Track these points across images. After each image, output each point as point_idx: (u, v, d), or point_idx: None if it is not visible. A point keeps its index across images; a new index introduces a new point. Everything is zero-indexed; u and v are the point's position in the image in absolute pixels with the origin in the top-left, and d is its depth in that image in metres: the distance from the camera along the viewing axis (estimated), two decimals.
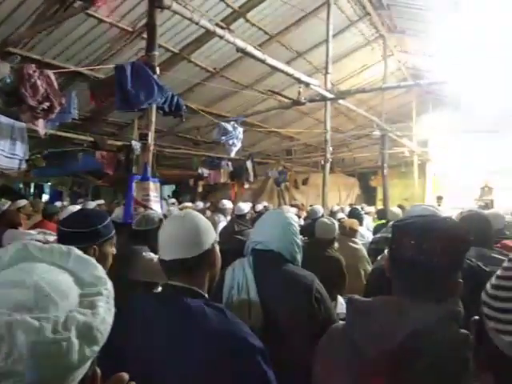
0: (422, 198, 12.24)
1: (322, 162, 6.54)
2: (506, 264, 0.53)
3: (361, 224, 5.25)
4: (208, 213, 6.25)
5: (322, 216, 4.65)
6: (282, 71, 4.91)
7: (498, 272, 0.53)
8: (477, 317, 0.56)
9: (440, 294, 0.98)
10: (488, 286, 0.55)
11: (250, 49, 4.33)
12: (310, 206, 7.85)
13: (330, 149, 6.41)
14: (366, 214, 7.24)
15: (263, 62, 4.55)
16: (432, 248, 0.96)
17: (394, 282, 1.06)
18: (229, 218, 5.63)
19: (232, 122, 5.40)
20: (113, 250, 1.70)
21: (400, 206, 6.69)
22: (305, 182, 14.64)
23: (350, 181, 15.07)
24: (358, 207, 7.22)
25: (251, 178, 10.32)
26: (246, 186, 10.64)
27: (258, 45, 6.94)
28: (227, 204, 5.89)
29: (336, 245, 3.58)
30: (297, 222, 2.01)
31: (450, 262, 0.97)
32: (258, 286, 1.68)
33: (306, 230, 4.58)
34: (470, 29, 6.56)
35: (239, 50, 4.28)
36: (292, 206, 10.57)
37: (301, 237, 1.85)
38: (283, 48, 7.76)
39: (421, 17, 7.33)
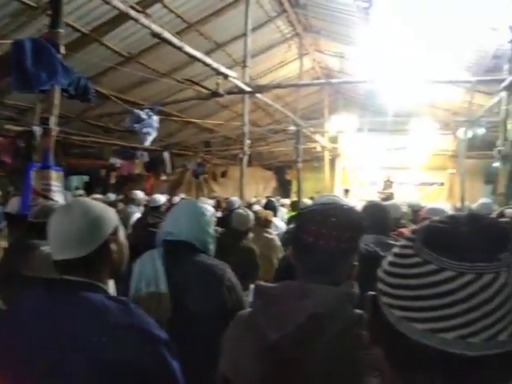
0: (332, 191, 13.02)
1: (241, 155, 6.61)
2: (403, 242, 0.55)
3: (275, 215, 5.42)
4: (120, 205, 5.95)
5: (239, 207, 4.70)
6: (200, 61, 4.84)
7: (396, 249, 0.56)
8: (373, 292, 0.58)
9: (338, 277, 1.04)
10: (384, 262, 0.56)
11: (166, 35, 4.18)
12: (226, 198, 7.90)
13: (248, 142, 6.50)
14: (282, 205, 7.48)
15: (180, 49, 4.43)
16: (330, 233, 1.01)
17: (297, 267, 1.10)
18: (142, 209, 5.42)
19: (146, 110, 5.18)
20: (3, 244, 1.53)
21: (311, 198, 7.02)
22: (223, 175, 14.69)
23: (267, 174, 15.47)
24: (274, 199, 7.45)
25: (168, 170, 10.06)
26: (163, 177, 10.35)
27: (176, 32, 6.73)
28: (139, 194, 5.66)
29: (251, 235, 3.65)
30: (211, 213, 2.00)
31: (346, 246, 1.03)
32: (169, 277, 1.64)
33: (223, 221, 4.61)
34: (381, 34, 7.08)
35: (155, 35, 4.11)
36: (211, 198, 10.57)
37: (217, 228, 1.85)
38: (202, 38, 7.65)
39: (335, 18, 7.73)
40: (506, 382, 0.51)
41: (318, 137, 11.34)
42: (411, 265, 0.51)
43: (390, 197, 10.10)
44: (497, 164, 6.19)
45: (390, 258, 0.56)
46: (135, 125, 4.93)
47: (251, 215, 3.50)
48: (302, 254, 1.07)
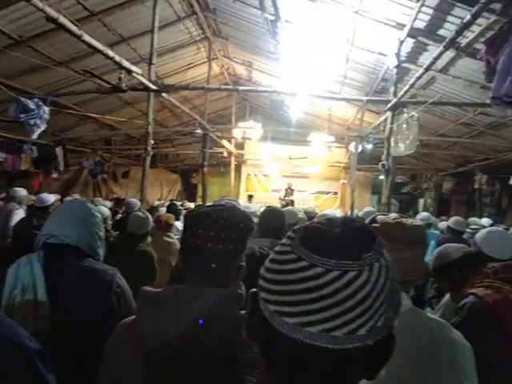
0: (237, 196, 13.26)
1: (144, 156, 6.35)
2: (283, 240, 0.57)
3: (177, 219, 5.32)
4: (0, 203, 5.28)
5: (139, 210, 4.51)
6: (102, 52, 4.55)
7: (277, 247, 0.57)
8: (254, 289, 0.59)
9: (226, 278, 1.05)
10: (267, 260, 0.58)
11: (63, 20, 3.85)
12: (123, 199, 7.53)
13: (152, 142, 6.27)
14: (186, 209, 7.38)
15: (79, 38, 4.11)
16: (217, 235, 1.02)
17: (185, 271, 1.08)
18: (26, 209, 4.89)
19: (36, 100, 4.69)
20: None
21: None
22: (125, 176, 14.01)
23: (172, 177, 15.14)
24: (177, 203, 7.31)
25: (61, 167, 9.23)
26: (55, 175, 9.47)
27: (76, 20, 6.24)
28: (19, 191, 5.09)
29: (149, 239, 3.53)
30: (101, 214, 1.88)
31: (233, 248, 1.04)
32: (49, 284, 1.50)
33: (120, 223, 4.37)
34: (286, 48, 7.42)
35: (50, 19, 3.76)
36: (110, 200, 9.96)
37: (112, 231, 1.73)
38: (105, 29, 7.20)
39: (243, 27, 7.90)
40: (371, 376, 0.56)
41: (225, 142, 11.46)
42: (287, 261, 0.53)
43: (290, 203, 10.61)
44: (382, 177, 6.90)
45: (270, 256, 0.58)
46: (21, 115, 4.43)
47: (150, 218, 3.38)
48: (190, 257, 1.06)
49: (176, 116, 12.34)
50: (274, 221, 2.54)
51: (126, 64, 4.92)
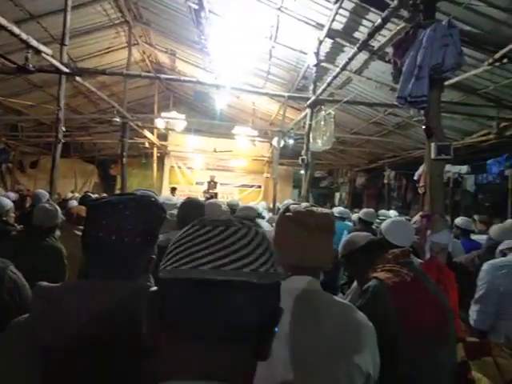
0: (160, 189, 12.88)
1: (54, 144, 5.85)
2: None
3: None
4: None
5: (47, 202, 4.16)
6: (6, 29, 4.08)
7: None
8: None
9: (132, 272, 1.00)
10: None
11: None
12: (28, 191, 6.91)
13: (63, 129, 5.80)
14: None
15: None
16: (123, 227, 0.96)
17: (88, 265, 1.01)
18: None
19: None
20: None
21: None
22: (33, 165, 12.87)
23: (88, 168, 14.22)
24: (93, 195, 6.87)
25: None
26: None
27: None
28: None
29: (58, 233, 3.27)
30: (2, 206, 1.69)
31: (141, 240, 0.99)
32: None
33: (25, 216, 4.00)
34: (210, 38, 7.32)
35: None
36: (16, 191, 9.07)
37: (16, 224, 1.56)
38: (11, 4, 6.49)
39: (166, 14, 7.64)
40: (262, 349, 0.60)
41: (146, 132, 11.04)
42: (185, 231, 0.63)
43: (214, 196, 10.58)
44: (302, 171, 7.17)
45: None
46: None
47: (58, 210, 3.13)
48: (93, 250, 0.98)
49: (93, 103, 11.59)
50: (194, 212, 2.50)
51: (34, 43, 4.48)
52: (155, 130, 11.95)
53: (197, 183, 13.49)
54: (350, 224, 5.74)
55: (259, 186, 14.16)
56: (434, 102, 2.42)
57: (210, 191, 11.32)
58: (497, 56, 4.41)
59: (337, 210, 5.96)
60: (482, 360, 1.83)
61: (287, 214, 1.30)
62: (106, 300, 0.90)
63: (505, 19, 3.91)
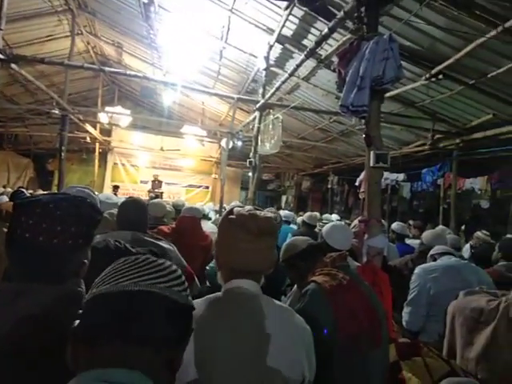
0: (101, 186, 12.35)
1: None
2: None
3: None
4: None
5: None
6: None
7: None
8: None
9: (61, 275, 0.93)
10: None
11: None
12: None
13: None
14: None
15: None
16: (52, 228, 0.89)
17: (13, 267, 0.93)
18: None
19: None
20: None
21: None
22: None
23: (23, 161, 13.28)
24: (26, 191, 6.41)
25: None
26: None
27: None
28: None
29: None
30: None
31: (73, 243, 0.93)
32: None
33: None
34: (160, 33, 7.15)
35: None
36: None
37: None
38: None
39: (113, 5, 7.34)
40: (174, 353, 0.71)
41: (88, 127, 10.53)
42: None
43: (159, 196, 10.33)
44: (250, 173, 7.21)
45: None
46: None
47: None
48: (17, 251, 0.91)
49: (30, 92, 10.84)
50: (136, 213, 2.41)
51: None
52: (98, 125, 11.44)
53: (141, 182, 13.09)
54: (295, 227, 5.85)
55: (207, 187, 14.05)
56: (374, 112, 2.53)
57: (156, 190, 11.04)
58: (433, 72, 4.73)
59: (282, 214, 6.06)
60: (413, 360, 1.93)
61: (230, 216, 1.29)
62: (31, 304, 0.83)
63: (442, 37, 4.18)
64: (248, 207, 1.35)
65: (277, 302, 1.27)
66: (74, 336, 0.66)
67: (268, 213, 1.34)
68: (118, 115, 10.48)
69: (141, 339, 0.64)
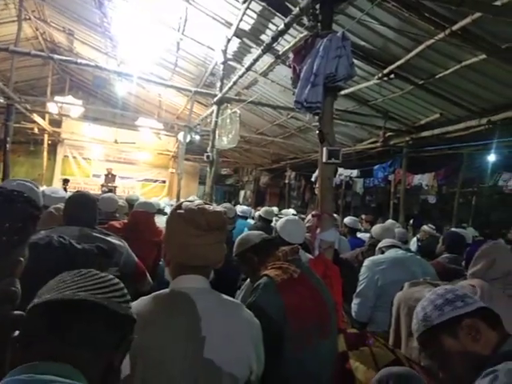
0: (51, 180, 11.77)
1: None
2: None
3: None
4: None
5: None
6: None
7: None
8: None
9: None
10: None
11: None
12: None
13: None
14: None
15: None
16: None
17: None
18: None
19: None
20: None
21: None
22: None
23: None
24: None
25: None
26: None
27: None
28: None
29: None
30: None
31: (6, 240, 0.88)
32: None
33: None
34: (113, 22, 6.89)
35: None
36: None
37: None
38: None
39: None
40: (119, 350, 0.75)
41: (36, 117, 9.98)
42: None
43: (113, 190, 10.00)
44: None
45: None
46: None
47: None
48: None
49: None
50: (83, 208, 2.30)
51: None
52: (47, 115, 10.87)
53: (94, 175, 12.59)
54: (251, 222, 5.88)
55: (164, 181, 13.77)
56: (327, 108, 2.58)
57: (109, 185, 10.67)
58: (385, 71, 4.89)
59: (239, 209, 6.06)
60: (360, 350, 1.99)
61: (179, 211, 1.26)
62: None
63: (394, 38, 4.33)
64: (198, 201, 1.34)
65: (225, 296, 1.27)
66: (15, 345, 0.67)
67: (217, 207, 1.33)
68: (68, 105, 10.00)
69: (78, 343, 0.68)
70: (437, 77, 4.70)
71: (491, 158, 6.39)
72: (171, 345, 1.07)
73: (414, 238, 4.81)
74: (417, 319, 1.16)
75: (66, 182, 10.63)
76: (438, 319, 1.09)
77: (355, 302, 2.76)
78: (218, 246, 1.26)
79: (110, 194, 4.41)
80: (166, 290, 1.21)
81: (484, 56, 3.87)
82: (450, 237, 3.31)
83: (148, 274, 2.64)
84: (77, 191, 2.69)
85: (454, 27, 3.60)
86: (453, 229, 4.79)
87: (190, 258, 1.21)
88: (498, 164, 6.88)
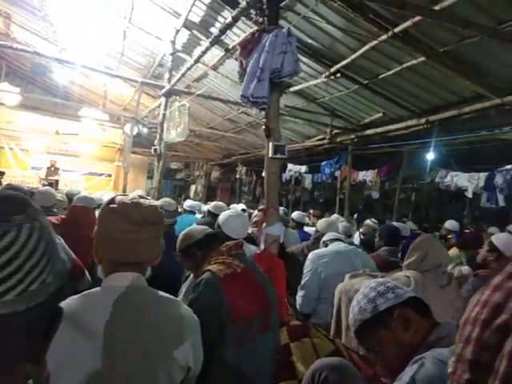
0: None
1: None
2: None
3: None
4: None
5: None
6: None
7: None
8: None
9: None
10: None
11: None
12: None
13: None
14: None
15: None
16: None
17: None
18: None
19: None
20: None
21: None
22: None
23: None
24: None
25: None
26: None
27: None
28: None
29: None
30: None
31: None
32: None
33: None
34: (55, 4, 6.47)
35: None
36: None
37: None
38: None
39: None
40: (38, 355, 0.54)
41: None
42: None
43: (54, 184, 9.45)
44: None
45: None
46: None
47: None
48: None
49: None
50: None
51: None
52: None
53: (32, 168, 11.81)
54: (199, 217, 5.81)
55: (109, 175, 13.21)
56: (273, 104, 2.59)
57: (50, 178, 10.07)
58: (332, 70, 5.01)
59: (187, 204, 5.97)
60: (302, 341, 2.04)
61: (111, 205, 1.20)
62: None
63: (340, 38, 4.44)
64: (132, 195, 1.28)
65: (161, 293, 1.23)
66: None
67: (153, 201, 1.29)
68: (3, 93, 9.30)
69: None
70: (380, 77, 4.89)
71: (429, 156, 6.76)
72: (104, 343, 1.02)
73: (358, 232, 5.00)
74: (353, 314, 1.20)
75: (1, 174, 9.88)
76: (372, 312, 1.13)
77: (300, 294, 2.82)
78: (153, 242, 1.21)
79: (46, 188, 4.15)
80: (98, 289, 1.15)
81: (423, 58, 4.08)
82: (385, 230, 3.46)
83: (87, 272, 2.52)
84: (7, 184, 2.50)
85: (396, 29, 3.75)
86: (392, 222, 5.03)
87: (124, 254, 1.16)
88: (435, 162, 7.31)
